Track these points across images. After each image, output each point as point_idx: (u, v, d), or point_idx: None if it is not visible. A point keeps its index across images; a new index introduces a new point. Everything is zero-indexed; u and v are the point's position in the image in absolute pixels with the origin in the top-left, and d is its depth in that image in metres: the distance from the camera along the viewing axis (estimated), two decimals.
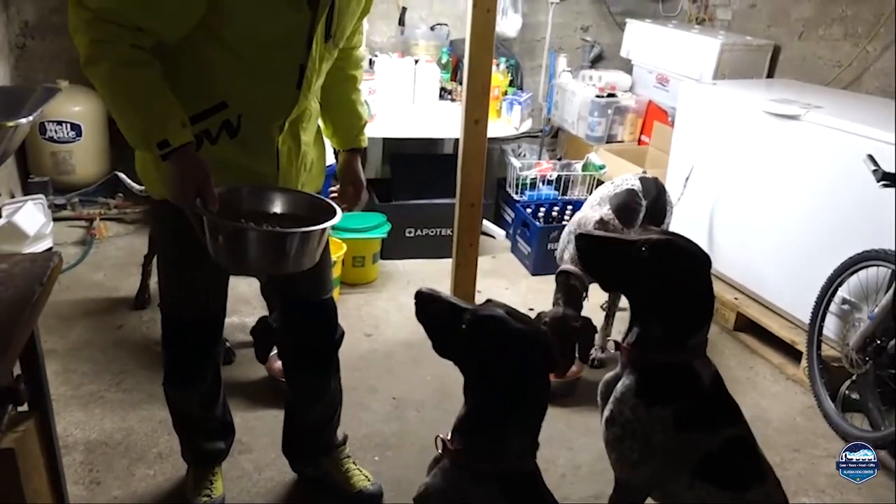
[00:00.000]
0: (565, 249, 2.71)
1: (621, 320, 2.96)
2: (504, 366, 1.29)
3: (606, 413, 1.56)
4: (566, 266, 2.64)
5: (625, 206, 2.75)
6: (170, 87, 1.44)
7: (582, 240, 1.54)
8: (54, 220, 3.55)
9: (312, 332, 1.92)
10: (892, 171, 2.14)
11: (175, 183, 1.44)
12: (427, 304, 1.36)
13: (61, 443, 1.72)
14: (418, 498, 1.40)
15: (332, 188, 1.93)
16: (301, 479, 2.12)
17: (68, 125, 3.79)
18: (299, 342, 1.94)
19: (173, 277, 1.78)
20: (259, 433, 2.30)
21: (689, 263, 1.49)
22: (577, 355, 2.47)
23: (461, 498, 1.35)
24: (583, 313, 2.82)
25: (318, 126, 1.81)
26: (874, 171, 2.14)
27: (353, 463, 2.09)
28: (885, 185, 2.14)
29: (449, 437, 1.39)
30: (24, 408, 1.49)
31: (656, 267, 1.45)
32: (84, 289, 3.17)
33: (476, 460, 1.34)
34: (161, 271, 1.82)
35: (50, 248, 3.25)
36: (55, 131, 3.77)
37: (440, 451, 1.40)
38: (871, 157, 2.19)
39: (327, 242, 1.89)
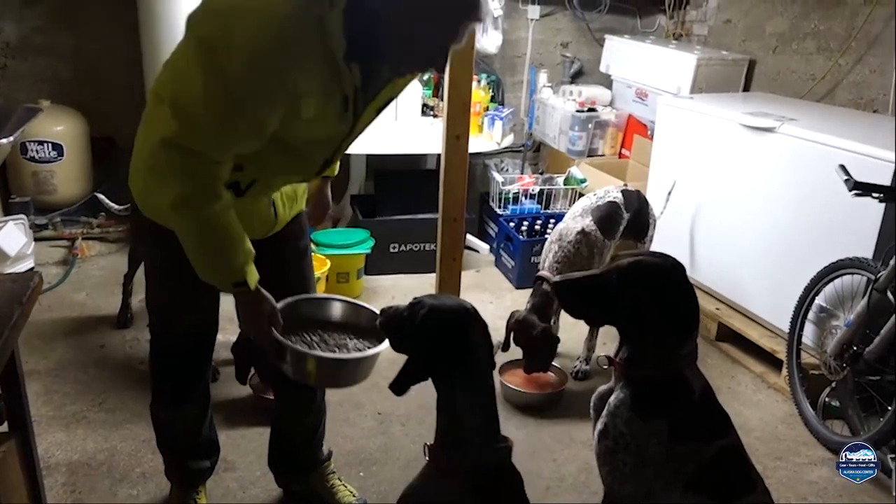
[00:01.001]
0: (546, 259, 2.75)
1: (604, 332, 2.99)
2: (435, 344, 1.40)
3: (599, 426, 1.55)
4: (542, 272, 2.68)
5: (607, 217, 2.80)
6: None
7: (558, 286, 1.56)
8: (36, 240, 3.52)
9: None
10: (863, 180, 2.19)
11: (250, 319, 1.57)
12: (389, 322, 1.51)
13: (43, 464, 1.72)
14: (400, 500, 1.45)
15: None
16: (286, 496, 2.11)
17: (50, 145, 3.78)
18: None
19: (164, 296, 1.76)
20: (243, 451, 2.29)
21: (660, 278, 1.49)
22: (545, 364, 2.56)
23: (434, 495, 1.40)
24: (563, 323, 2.87)
25: None
26: (846, 181, 2.19)
27: (339, 479, 2.09)
28: (858, 195, 2.18)
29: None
30: (5, 428, 1.48)
31: (629, 291, 1.46)
32: (66, 308, 3.16)
33: (443, 453, 1.40)
34: (151, 290, 1.80)
35: (31, 269, 3.23)
36: (36, 151, 3.76)
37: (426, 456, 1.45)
38: (842, 167, 2.24)
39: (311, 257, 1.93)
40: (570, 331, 2.97)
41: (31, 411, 1.55)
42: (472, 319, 1.43)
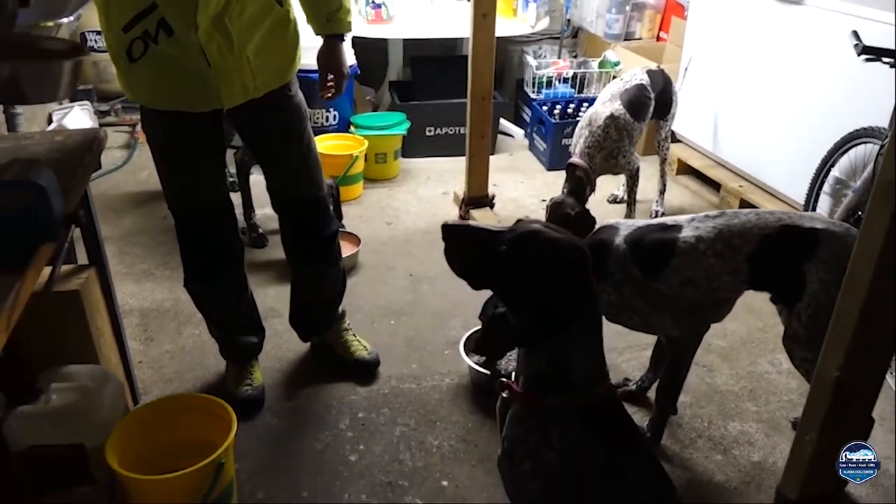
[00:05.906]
0: (577, 144, 2.87)
1: (642, 212, 3.12)
2: (551, 280, 1.21)
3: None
4: (573, 159, 2.81)
5: (636, 101, 2.90)
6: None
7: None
8: (100, 125, 3.82)
9: (306, 226, 2.07)
10: (873, 45, 2.20)
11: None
12: (456, 235, 1.31)
13: (119, 309, 2.01)
14: (502, 455, 1.36)
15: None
16: (311, 346, 2.36)
17: None
18: (295, 236, 2.11)
19: (166, 176, 1.88)
20: (287, 302, 2.57)
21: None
22: None
23: (543, 443, 1.28)
24: (590, 206, 2.99)
25: (279, 17, 1.76)
26: (855, 46, 2.21)
27: (353, 334, 2.29)
28: (868, 60, 2.20)
29: (514, 380, 1.34)
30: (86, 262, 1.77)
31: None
32: (131, 185, 3.48)
33: (549, 398, 1.27)
34: (158, 171, 1.90)
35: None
36: (95, 41, 4.00)
37: (506, 395, 1.36)
38: (854, 33, 2.25)
39: (315, 150, 2.00)
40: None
41: (105, 248, 1.84)
42: (583, 255, 1.25)
